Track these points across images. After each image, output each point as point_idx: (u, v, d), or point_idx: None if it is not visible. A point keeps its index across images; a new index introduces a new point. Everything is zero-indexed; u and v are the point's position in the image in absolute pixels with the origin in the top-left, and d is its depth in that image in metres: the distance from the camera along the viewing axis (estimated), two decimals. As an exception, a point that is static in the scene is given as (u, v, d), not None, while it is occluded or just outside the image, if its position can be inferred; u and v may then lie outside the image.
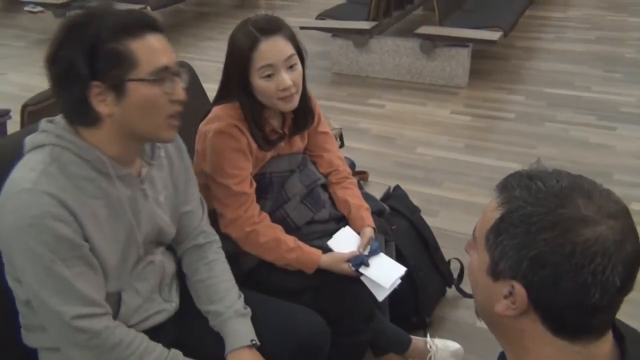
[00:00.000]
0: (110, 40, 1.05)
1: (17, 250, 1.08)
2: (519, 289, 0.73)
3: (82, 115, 1.11)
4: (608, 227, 0.70)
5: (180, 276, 1.44)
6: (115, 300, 1.23)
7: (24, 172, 1.09)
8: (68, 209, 1.07)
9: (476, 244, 0.81)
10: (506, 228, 0.75)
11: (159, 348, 1.22)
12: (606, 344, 0.76)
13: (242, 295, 1.41)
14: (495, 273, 0.76)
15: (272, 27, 1.46)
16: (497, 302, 0.76)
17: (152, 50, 1.09)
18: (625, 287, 0.72)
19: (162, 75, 1.10)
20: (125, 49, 1.06)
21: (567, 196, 0.73)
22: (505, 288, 0.75)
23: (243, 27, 1.48)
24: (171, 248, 1.43)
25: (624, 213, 0.73)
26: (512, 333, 0.78)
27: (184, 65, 1.18)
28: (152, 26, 1.11)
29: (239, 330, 1.33)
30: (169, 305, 1.35)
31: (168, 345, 1.27)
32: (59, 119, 1.15)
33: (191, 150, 1.63)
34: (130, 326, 1.24)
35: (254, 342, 1.32)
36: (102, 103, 1.08)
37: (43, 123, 1.15)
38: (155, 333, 1.29)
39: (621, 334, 0.78)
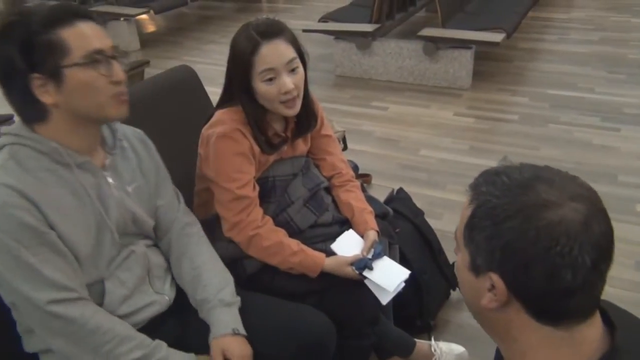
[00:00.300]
0: (41, 32, 1.11)
1: None
2: (497, 280, 0.76)
3: (31, 110, 1.16)
4: (571, 209, 0.72)
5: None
6: (99, 290, 1.25)
7: None
8: (28, 199, 1.11)
9: (458, 245, 0.84)
10: (476, 223, 0.78)
11: (141, 337, 1.23)
12: (592, 328, 0.77)
13: (232, 284, 1.43)
14: (475, 268, 0.79)
15: (273, 30, 1.46)
16: (482, 296, 0.79)
17: (82, 35, 1.14)
18: (599, 267, 0.73)
19: (95, 58, 1.14)
20: (56, 37, 1.11)
21: (529, 185, 0.76)
22: (487, 282, 0.77)
23: (244, 31, 1.48)
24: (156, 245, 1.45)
25: (590, 196, 0.76)
26: (501, 326, 0.81)
27: (122, 52, 1.23)
28: (81, 14, 1.16)
29: (222, 319, 1.35)
30: (161, 297, 1.36)
31: (170, 341, 1.28)
32: (17, 121, 1.21)
33: (195, 154, 1.63)
34: (119, 316, 1.25)
35: (236, 330, 1.33)
36: (46, 94, 1.13)
37: (2, 128, 1.21)
38: (155, 329, 1.31)
39: (612, 322, 0.79)
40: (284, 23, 1.51)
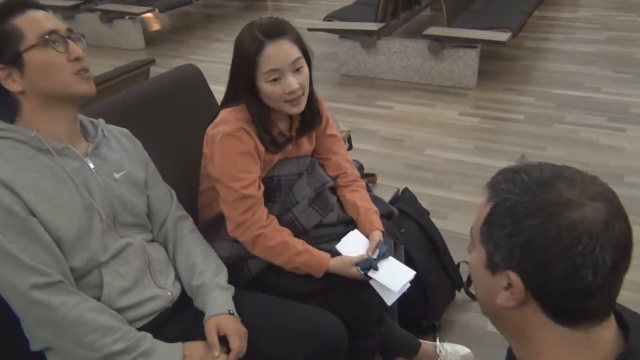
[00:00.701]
0: None
1: None
2: (515, 279, 0.75)
3: (4, 104, 1.22)
4: (593, 208, 0.72)
5: None
6: (98, 282, 1.26)
7: None
8: (4, 184, 1.14)
9: (473, 243, 0.83)
10: (496, 220, 0.77)
11: (126, 329, 1.22)
12: (608, 331, 0.77)
13: (226, 273, 1.46)
14: (493, 266, 0.78)
15: (278, 30, 1.45)
16: (498, 295, 0.78)
17: (34, 20, 1.20)
18: (618, 268, 0.73)
19: (50, 38, 1.19)
20: (10, 27, 1.18)
21: (550, 183, 0.75)
22: (504, 280, 0.77)
23: (248, 31, 1.47)
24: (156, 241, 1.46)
25: (610, 196, 0.75)
26: (516, 325, 0.80)
27: (78, 35, 1.29)
28: (32, 4, 1.22)
29: (218, 301, 1.37)
30: (164, 292, 1.36)
31: (176, 340, 1.28)
32: None
33: (199, 153, 1.63)
34: (119, 309, 1.26)
35: (232, 312, 1.35)
36: (13, 83, 1.19)
37: None
38: (161, 327, 1.32)
39: (626, 325, 0.79)
40: (288, 22, 1.50)
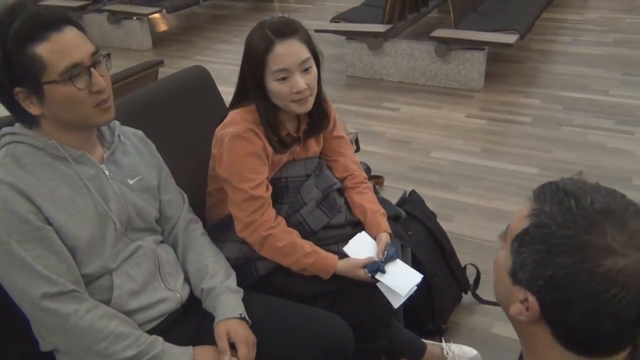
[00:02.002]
0: (17, 51, 1.10)
1: None
2: (533, 302, 0.74)
3: (21, 117, 1.20)
4: (634, 260, 0.68)
5: None
6: (108, 284, 1.26)
7: None
8: (21, 193, 1.13)
9: (506, 242, 0.81)
10: (529, 241, 0.74)
11: (136, 334, 1.22)
12: (619, 357, 0.75)
13: (234, 275, 1.46)
14: (515, 278, 0.77)
15: (288, 30, 1.46)
16: (513, 303, 0.77)
17: (57, 51, 1.13)
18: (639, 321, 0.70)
19: (73, 72, 1.14)
20: (31, 55, 1.11)
21: (597, 222, 0.70)
22: (522, 294, 0.76)
23: (259, 30, 1.48)
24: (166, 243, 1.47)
25: None
26: (525, 332, 0.80)
27: (104, 56, 1.23)
28: (55, 24, 1.13)
29: (229, 303, 1.37)
30: (173, 294, 1.36)
31: (185, 342, 1.29)
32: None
33: (208, 154, 1.64)
34: (129, 311, 1.27)
35: (242, 316, 1.35)
36: (32, 105, 1.16)
37: (2, 129, 1.24)
38: (170, 329, 1.33)
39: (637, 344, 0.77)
40: (299, 22, 1.50)
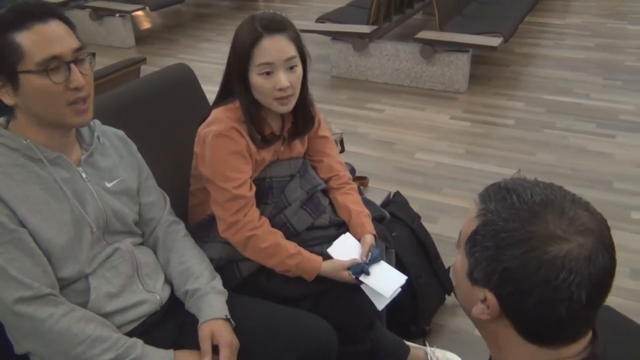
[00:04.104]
0: None
1: None
2: (491, 298, 0.77)
3: None
4: (577, 244, 0.72)
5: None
6: (84, 287, 1.24)
7: None
8: None
9: (459, 245, 0.84)
10: (480, 240, 0.78)
11: (115, 337, 1.19)
12: (579, 344, 0.78)
13: (219, 278, 1.43)
14: (472, 278, 0.80)
15: (277, 26, 1.44)
16: (475, 304, 0.80)
17: (39, 40, 1.10)
18: (592, 304, 0.73)
19: (51, 65, 1.11)
20: (11, 42, 1.09)
21: (538, 212, 0.74)
22: (481, 293, 0.78)
23: (248, 22, 1.46)
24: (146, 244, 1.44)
25: (599, 228, 0.75)
26: (489, 333, 0.83)
27: (88, 54, 1.20)
28: (41, 16, 1.11)
29: (215, 304, 1.35)
30: (152, 296, 1.34)
31: (167, 344, 1.26)
32: None
33: (191, 153, 1.61)
34: (107, 313, 1.24)
35: (228, 317, 1.33)
36: (6, 94, 1.14)
37: None
38: (150, 330, 1.30)
39: (595, 332, 0.80)
40: (289, 20, 1.49)
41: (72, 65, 1.14)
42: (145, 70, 2.96)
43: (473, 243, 0.79)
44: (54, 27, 1.12)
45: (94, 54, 1.21)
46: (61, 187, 1.20)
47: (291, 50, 1.45)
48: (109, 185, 1.31)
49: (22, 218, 1.13)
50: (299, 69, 1.49)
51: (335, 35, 4.65)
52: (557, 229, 0.73)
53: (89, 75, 1.19)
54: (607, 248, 0.74)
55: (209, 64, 4.84)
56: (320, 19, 4.87)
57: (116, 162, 1.36)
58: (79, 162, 1.27)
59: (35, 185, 1.17)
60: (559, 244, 0.72)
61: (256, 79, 1.45)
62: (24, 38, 1.09)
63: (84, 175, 1.26)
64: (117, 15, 5.54)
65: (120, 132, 1.43)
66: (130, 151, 1.42)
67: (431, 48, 4.32)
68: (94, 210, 1.25)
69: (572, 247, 0.72)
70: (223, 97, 1.57)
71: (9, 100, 1.14)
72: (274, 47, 1.43)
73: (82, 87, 1.16)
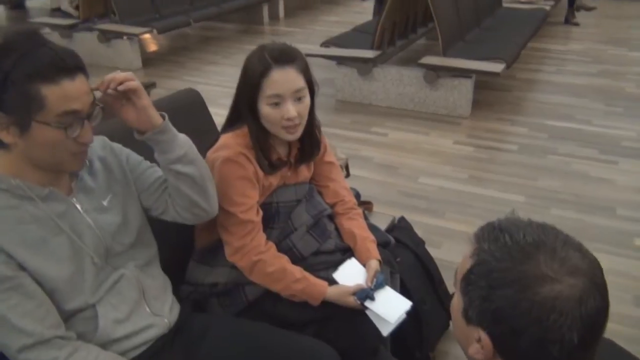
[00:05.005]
0: (21, 82, 1.06)
1: None
2: (485, 338, 0.78)
3: None
4: (568, 285, 0.73)
5: (179, 296, 1.45)
6: (92, 314, 1.24)
7: None
8: None
9: (455, 284, 0.85)
10: (473, 280, 0.79)
11: None
12: None
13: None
14: (467, 317, 0.81)
15: (286, 57, 1.47)
16: (470, 344, 0.81)
17: (63, 97, 1.09)
18: (585, 344, 0.74)
19: (68, 120, 1.11)
20: (35, 92, 1.07)
21: (530, 253, 0.76)
22: (476, 333, 0.79)
23: (258, 53, 1.49)
24: (153, 262, 1.41)
25: (591, 269, 0.76)
26: None
27: (98, 109, 1.19)
28: (70, 71, 1.10)
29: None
30: (160, 319, 1.34)
31: None
32: None
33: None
34: (116, 339, 1.24)
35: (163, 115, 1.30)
36: (6, 132, 1.10)
37: None
38: (157, 354, 1.30)
39: None
40: (299, 51, 1.52)
41: (86, 122, 1.14)
42: (153, 92, 3.00)
43: (467, 282, 0.80)
44: (78, 85, 1.12)
45: (103, 108, 1.21)
46: (57, 223, 1.19)
47: (300, 82, 1.48)
48: (105, 203, 1.30)
49: (21, 261, 1.12)
50: (307, 99, 1.51)
51: (340, 60, 4.71)
52: (548, 270, 0.74)
53: (94, 127, 1.19)
54: (598, 289, 0.75)
55: (214, 87, 4.90)
56: (325, 44, 4.94)
57: (106, 177, 1.33)
58: (70, 190, 1.25)
59: (31, 225, 1.16)
60: (550, 284, 0.73)
61: (265, 109, 1.48)
62: (50, 92, 1.08)
63: (78, 206, 1.24)
64: (124, 37, 5.63)
65: (100, 142, 1.37)
66: (117, 157, 1.37)
67: (435, 73, 4.37)
68: (92, 240, 1.24)
69: (563, 288, 0.72)
70: (231, 122, 1.59)
71: (8, 139, 1.11)
72: (283, 79, 1.46)
73: (89, 143, 1.18)
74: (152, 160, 1.40)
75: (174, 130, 1.32)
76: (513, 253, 0.76)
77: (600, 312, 0.74)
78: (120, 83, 1.22)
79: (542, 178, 3.42)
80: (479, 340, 0.79)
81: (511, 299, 0.74)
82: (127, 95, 1.24)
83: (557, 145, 3.87)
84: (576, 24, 7.18)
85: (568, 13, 7.27)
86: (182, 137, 1.34)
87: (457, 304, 0.84)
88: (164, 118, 1.30)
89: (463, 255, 0.84)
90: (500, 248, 0.77)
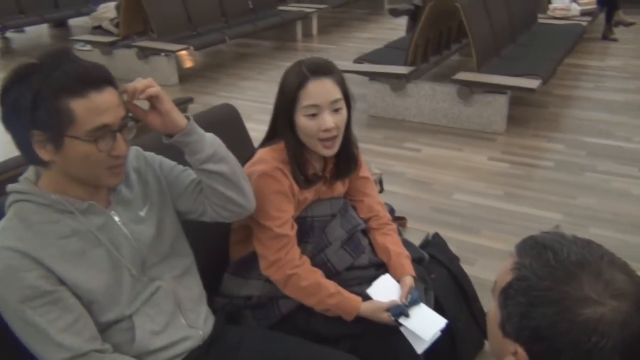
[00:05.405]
0: (50, 98, 1.08)
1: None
2: (522, 353, 0.77)
3: (30, 158, 1.16)
4: (611, 308, 0.71)
5: (213, 307, 1.46)
6: (129, 325, 1.26)
7: None
8: (31, 258, 1.12)
9: (494, 294, 0.84)
10: (513, 295, 0.78)
11: None
12: None
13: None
14: (504, 330, 0.80)
15: (323, 70, 1.49)
16: (506, 356, 0.80)
17: (92, 110, 1.11)
18: None
19: (99, 134, 1.13)
20: (64, 107, 1.09)
21: (573, 273, 0.74)
22: (512, 346, 0.78)
23: (296, 67, 1.52)
24: (189, 272, 1.42)
25: (635, 292, 0.74)
26: None
27: (131, 122, 1.21)
28: (97, 84, 1.12)
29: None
30: (195, 332, 1.35)
31: None
32: (21, 178, 1.22)
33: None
34: (152, 350, 1.26)
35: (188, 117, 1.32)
36: (44, 150, 1.13)
37: (8, 186, 1.22)
38: None
39: None
40: (334, 65, 1.54)
41: (118, 135, 1.16)
42: (189, 107, 3.06)
43: (506, 296, 0.79)
44: (107, 97, 1.13)
45: (136, 121, 1.23)
46: (96, 235, 1.22)
47: (337, 93, 1.50)
48: (142, 213, 1.32)
49: (60, 275, 1.15)
50: (344, 111, 1.53)
51: (373, 76, 4.72)
52: (591, 292, 0.72)
53: (129, 140, 1.21)
54: None
55: (248, 102, 4.96)
56: (359, 60, 4.96)
57: (142, 187, 1.35)
58: (109, 202, 1.28)
59: (72, 238, 1.19)
60: (593, 307, 0.71)
61: (302, 120, 1.50)
62: (78, 105, 1.10)
63: (116, 219, 1.27)
64: (162, 54, 5.77)
65: (134, 150, 1.39)
66: (151, 167, 1.39)
67: (468, 89, 4.34)
68: (129, 252, 1.27)
69: (606, 311, 0.71)
70: (269, 137, 1.61)
71: (46, 156, 1.13)
72: (320, 90, 1.48)
73: (123, 156, 1.20)
74: (185, 164, 1.42)
75: (201, 130, 1.33)
76: (556, 272, 0.75)
77: None
78: (142, 91, 1.24)
79: (580, 196, 3.35)
80: (515, 354, 0.78)
81: (551, 318, 0.73)
82: (150, 102, 1.27)
83: (595, 162, 3.78)
84: (614, 40, 7.05)
85: (606, 29, 7.14)
86: (210, 136, 1.36)
87: (494, 315, 0.83)
88: (188, 119, 1.32)
89: (503, 265, 0.83)
90: (543, 265, 0.76)
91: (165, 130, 1.30)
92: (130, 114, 1.22)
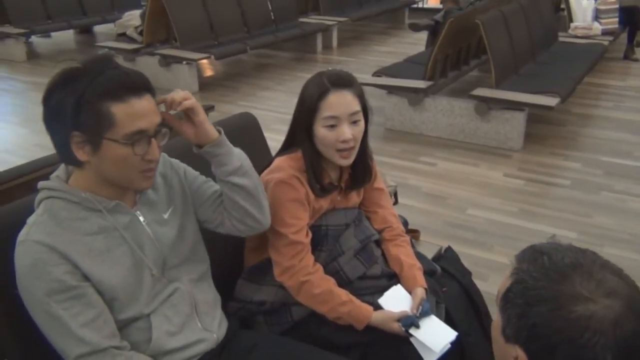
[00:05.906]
0: (93, 101, 1.14)
1: (24, 298, 1.19)
2: (521, 354, 0.80)
3: (67, 157, 1.21)
4: (604, 306, 0.75)
5: (227, 312, 1.48)
6: (147, 325, 1.29)
7: (22, 229, 1.21)
8: (58, 252, 1.17)
9: (497, 303, 0.88)
10: (511, 298, 0.83)
11: None
12: None
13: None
14: (505, 335, 0.83)
15: (343, 82, 1.53)
16: None
17: (131, 114, 1.16)
18: None
19: (136, 138, 1.18)
20: (105, 110, 1.14)
21: (566, 273, 0.79)
22: (513, 351, 0.81)
23: (317, 78, 1.55)
24: (205, 278, 1.46)
25: (629, 294, 0.77)
26: None
27: (165, 129, 1.26)
28: (138, 90, 1.18)
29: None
30: (210, 335, 1.38)
31: None
32: (53, 176, 1.27)
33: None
34: (168, 351, 1.29)
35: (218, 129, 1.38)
36: (81, 151, 1.18)
37: (40, 183, 1.27)
38: None
39: None
40: (354, 77, 1.57)
41: (153, 140, 1.21)
42: (210, 115, 3.12)
43: (506, 300, 0.83)
44: (145, 103, 1.19)
45: (170, 129, 1.28)
46: (121, 234, 1.26)
47: (356, 105, 1.53)
48: (165, 216, 1.36)
49: (86, 272, 1.19)
50: (362, 123, 1.56)
51: (391, 89, 4.75)
52: (583, 290, 0.76)
53: (161, 146, 1.26)
54: (636, 313, 0.76)
55: (267, 112, 5.02)
56: (377, 73, 5.00)
57: (167, 191, 1.39)
58: (134, 203, 1.32)
59: (98, 235, 1.23)
60: (585, 304, 0.75)
61: (321, 131, 1.53)
62: (119, 109, 1.15)
63: (141, 219, 1.31)
64: (184, 62, 5.86)
65: (161, 156, 1.39)
66: (176, 172, 1.43)
67: (486, 105, 4.35)
68: (152, 252, 1.31)
69: (598, 308, 0.74)
70: (286, 146, 1.65)
71: (82, 156, 1.18)
72: (340, 102, 1.51)
73: (156, 161, 1.24)
74: (207, 176, 1.46)
75: (230, 144, 1.39)
76: (550, 273, 0.79)
77: (638, 336, 0.75)
78: (179, 103, 1.30)
79: (596, 215, 3.33)
80: (516, 358, 0.81)
81: (546, 316, 0.76)
82: (186, 113, 1.32)
83: (612, 182, 3.76)
84: (636, 60, 7.00)
85: (627, 49, 7.10)
86: (237, 151, 1.42)
87: (497, 322, 0.87)
88: (220, 132, 1.37)
89: (504, 275, 0.87)
90: (538, 268, 0.81)
91: (197, 141, 1.35)
92: (166, 124, 1.27)
